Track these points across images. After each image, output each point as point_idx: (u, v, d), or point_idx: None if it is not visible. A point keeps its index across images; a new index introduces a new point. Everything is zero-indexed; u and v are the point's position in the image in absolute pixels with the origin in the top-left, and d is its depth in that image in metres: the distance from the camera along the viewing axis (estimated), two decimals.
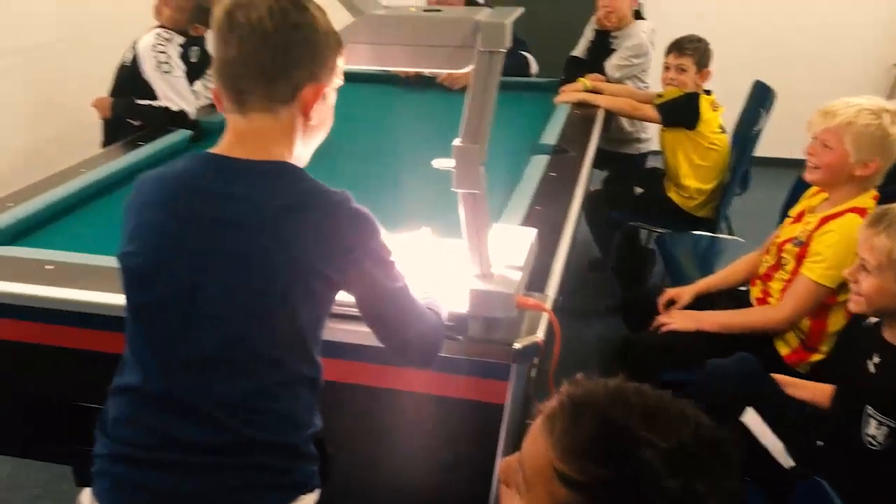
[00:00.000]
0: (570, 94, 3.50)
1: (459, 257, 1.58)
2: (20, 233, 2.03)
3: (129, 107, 2.95)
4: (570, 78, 3.66)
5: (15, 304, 1.70)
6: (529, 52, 3.80)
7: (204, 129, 2.90)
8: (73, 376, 1.81)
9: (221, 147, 1.27)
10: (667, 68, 3.39)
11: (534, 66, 3.82)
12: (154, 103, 2.90)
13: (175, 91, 2.91)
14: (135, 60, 2.94)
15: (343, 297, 1.30)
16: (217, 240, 1.20)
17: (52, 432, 1.94)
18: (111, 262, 1.73)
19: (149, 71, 2.89)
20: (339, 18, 1.32)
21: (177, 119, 2.90)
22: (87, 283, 1.68)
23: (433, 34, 1.36)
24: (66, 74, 4.34)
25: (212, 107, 3.13)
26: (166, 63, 2.89)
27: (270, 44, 1.19)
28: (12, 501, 2.48)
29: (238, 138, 1.25)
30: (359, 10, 1.34)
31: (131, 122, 2.97)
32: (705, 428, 0.85)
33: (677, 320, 2.37)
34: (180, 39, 2.97)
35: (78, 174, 2.38)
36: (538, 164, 2.56)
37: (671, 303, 2.52)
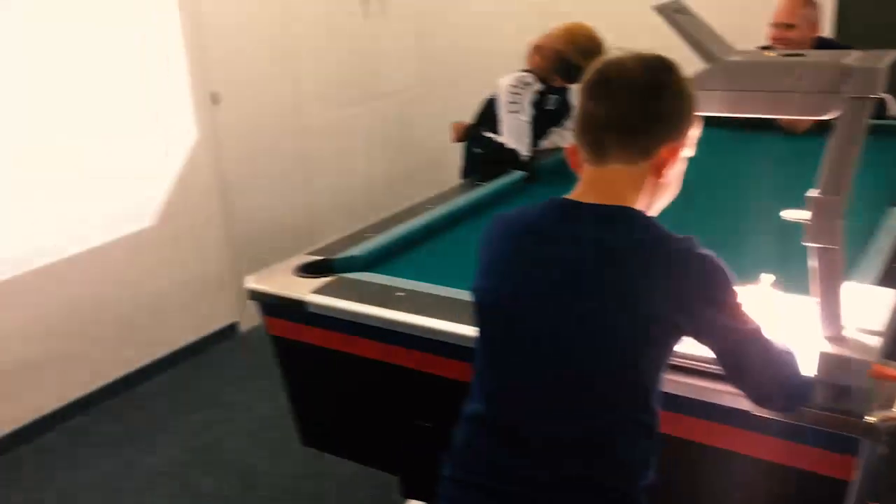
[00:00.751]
0: None
1: (806, 316, 1.46)
2: (375, 261, 2.26)
3: (476, 135, 3.21)
4: None
5: (369, 325, 1.90)
6: (886, 92, 3.44)
7: (537, 172, 3.02)
8: (411, 395, 1.97)
9: (573, 193, 1.33)
10: None
11: (893, 107, 3.44)
12: (495, 137, 3.11)
13: (514, 131, 3.09)
14: (495, 96, 3.18)
15: (681, 348, 1.28)
16: (561, 281, 1.25)
17: (387, 444, 2.13)
18: (452, 293, 1.89)
19: (500, 107, 3.11)
20: None
21: (508, 156, 3.07)
22: (431, 311, 1.82)
23: (793, 80, 1.29)
24: (420, 117, 4.80)
25: (551, 151, 3.27)
26: (516, 104, 3.09)
27: (639, 101, 1.25)
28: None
29: (590, 186, 1.31)
30: (714, 57, 1.32)
31: (475, 149, 3.21)
32: None
33: None
34: (538, 87, 3.16)
35: (425, 210, 2.60)
36: None
37: None
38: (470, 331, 1.65)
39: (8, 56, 2.90)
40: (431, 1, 4.78)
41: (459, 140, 3.31)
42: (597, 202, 1.28)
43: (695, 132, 1.32)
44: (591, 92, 1.29)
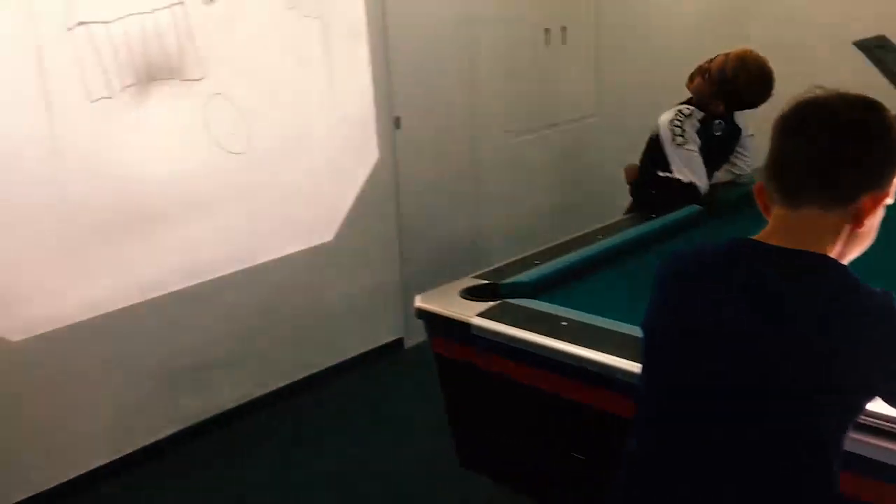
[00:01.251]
0: None
1: None
2: (542, 288, 2.26)
3: (649, 177, 3.11)
4: None
5: (531, 352, 1.90)
6: None
7: (718, 205, 2.91)
8: (569, 426, 1.94)
9: (761, 235, 1.26)
10: None
11: None
12: (670, 174, 3.02)
13: (688, 164, 2.97)
14: (658, 133, 3.10)
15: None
16: (743, 326, 1.18)
17: (542, 473, 2.11)
18: (618, 326, 1.85)
19: (665, 144, 3.01)
20: None
21: (687, 192, 2.95)
22: (595, 343, 1.80)
23: None
24: (595, 147, 4.76)
25: (731, 184, 3.14)
26: (681, 136, 2.98)
27: (843, 144, 1.17)
28: None
29: (780, 229, 1.23)
30: None
31: (650, 190, 3.11)
32: None
33: None
34: (699, 115, 3.04)
35: (595, 240, 2.58)
36: None
37: None
38: (633, 367, 1.62)
39: (227, 84, 3.17)
40: (611, 32, 4.75)
41: (631, 181, 3.24)
42: (787, 247, 1.20)
43: None
44: (790, 131, 1.21)
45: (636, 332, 1.79)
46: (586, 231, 2.69)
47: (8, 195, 2.68)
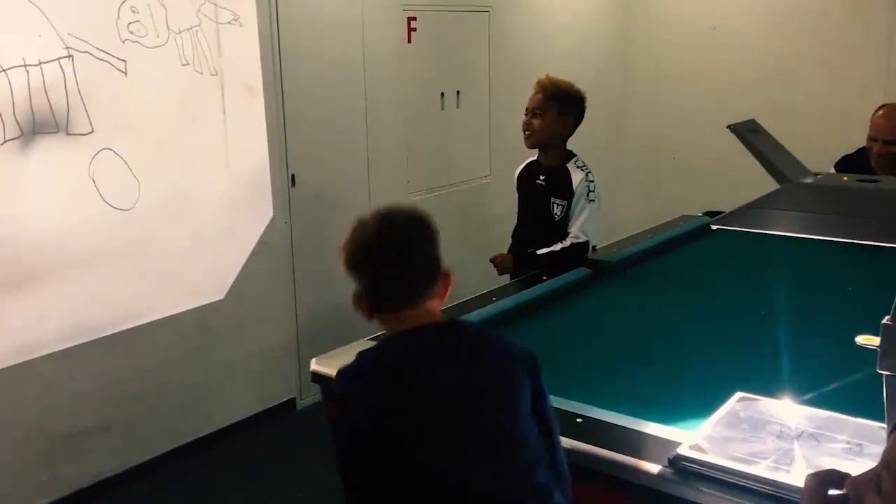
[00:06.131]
0: None
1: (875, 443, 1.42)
2: None
3: (528, 258, 3.07)
4: None
5: None
6: None
7: (602, 267, 2.97)
8: None
9: None
10: None
11: None
12: (551, 250, 2.99)
13: (591, 221, 2.98)
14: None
15: None
16: None
17: None
18: None
19: (579, 200, 3.00)
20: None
21: (579, 252, 2.94)
22: None
23: (870, 205, 1.29)
24: (488, 207, 4.83)
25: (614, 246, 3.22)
26: (594, 192, 2.98)
27: None
28: None
29: None
30: (786, 179, 1.33)
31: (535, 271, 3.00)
32: None
33: None
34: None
35: (490, 302, 2.61)
36: None
37: None
38: None
39: (116, 139, 3.08)
40: (503, 95, 4.91)
41: (511, 272, 3.10)
42: None
43: None
44: None
45: None
46: (480, 293, 2.72)
47: None
